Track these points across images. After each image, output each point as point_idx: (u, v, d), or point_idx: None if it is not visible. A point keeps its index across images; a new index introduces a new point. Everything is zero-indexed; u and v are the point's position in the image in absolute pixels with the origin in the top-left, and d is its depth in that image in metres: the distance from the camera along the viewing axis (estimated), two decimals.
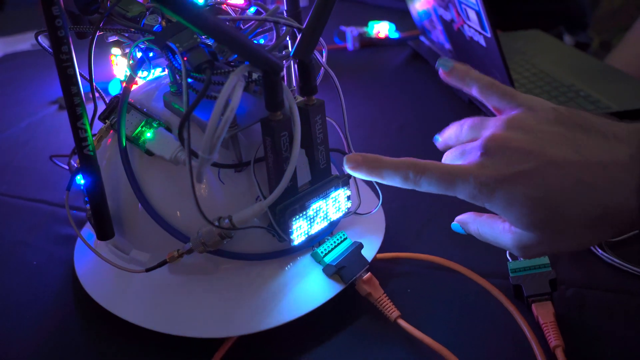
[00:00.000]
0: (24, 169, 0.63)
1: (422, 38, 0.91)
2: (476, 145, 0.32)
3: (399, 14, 1.05)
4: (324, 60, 0.37)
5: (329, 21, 0.37)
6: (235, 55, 0.35)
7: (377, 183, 0.43)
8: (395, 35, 0.96)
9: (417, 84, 0.81)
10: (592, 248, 0.44)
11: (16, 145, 0.68)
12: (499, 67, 0.61)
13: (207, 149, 0.29)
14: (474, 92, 0.36)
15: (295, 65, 0.35)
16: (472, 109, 0.69)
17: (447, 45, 0.78)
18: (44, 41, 0.39)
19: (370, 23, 0.97)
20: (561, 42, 0.89)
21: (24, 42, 1.09)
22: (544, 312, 0.37)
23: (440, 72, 0.37)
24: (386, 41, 0.96)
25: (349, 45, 0.94)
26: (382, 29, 0.96)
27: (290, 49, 0.39)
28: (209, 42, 0.35)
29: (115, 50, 0.71)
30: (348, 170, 0.35)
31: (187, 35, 0.33)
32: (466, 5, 0.61)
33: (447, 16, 0.71)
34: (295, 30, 0.36)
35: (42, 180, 0.60)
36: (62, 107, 0.78)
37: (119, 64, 0.71)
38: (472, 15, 0.61)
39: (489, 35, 0.59)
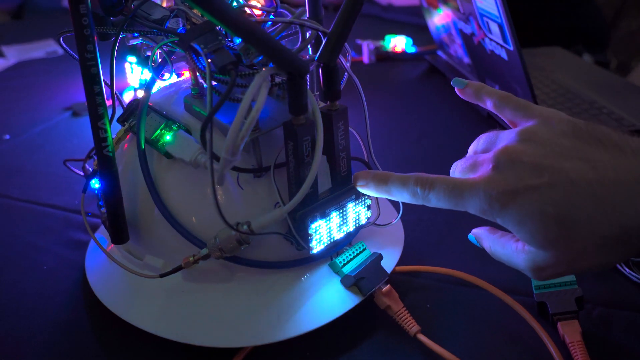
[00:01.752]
0: (37, 173, 0.63)
1: (440, 53, 0.92)
2: (487, 158, 0.32)
3: (416, 29, 1.06)
4: (348, 65, 0.37)
5: None
6: (259, 59, 0.35)
7: None
8: (412, 49, 0.97)
9: (434, 98, 0.81)
10: (618, 266, 0.43)
11: (30, 150, 0.69)
12: (521, 82, 0.61)
13: (230, 150, 0.29)
14: (489, 106, 0.36)
15: (319, 70, 0.35)
16: (491, 122, 0.69)
17: (466, 60, 0.79)
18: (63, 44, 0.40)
19: (387, 37, 0.97)
20: (581, 59, 0.89)
21: (38, 49, 1.11)
22: (570, 331, 0.37)
23: (456, 90, 0.37)
24: (403, 55, 0.96)
25: (365, 58, 0.95)
26: (398, 42, 0.97)
27: (312, 54, 0.39)
28: (234, 45, 0.36)
29: (131, 59, 0.72)
30: (358, 187, 0.35)
31: (212, 37, 0.33)
32: (488, 18, 0.62)
33: (467, 29, 0.71)
34: (320, 34, 0.36)
35: (55, 185, 0.60)
36: (75, 114, 0.79)
37: (134, 72, 0.72)
38: (494, 28, 0.61)
39: (511, 48, 0.59)
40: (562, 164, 0.30)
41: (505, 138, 0.32)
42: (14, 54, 1.08)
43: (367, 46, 0.94)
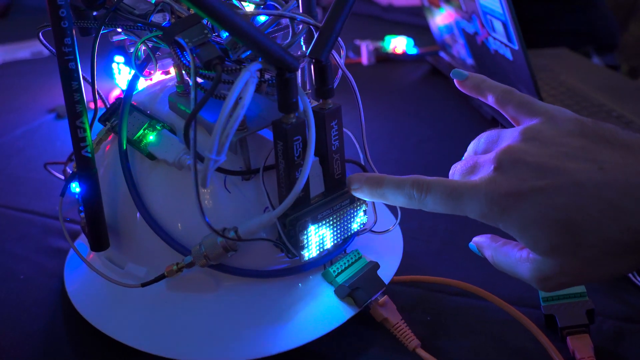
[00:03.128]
0: (17, 177, 0.62)
1: (442, 54, 0.91)
2: (489, 159, 0.31)
3: (417, 30, 1.05)
4: (342, 61, 0.36)
5: (342, 35, 0.37)
6: (247, 54, 0.34)
7: None
8: (413, 50, 0.96)
9: (436, 100, 0.80)
10: (631, 276, 0.42)
11: (10, 153, 0.68)
12: (526, 82, 0.60)
13: (215, 150, 0.29)
14: (490, 101, 0.35)
15: (311, 66, 0.34)
16: (496, 126, 0.68)
17: (470, 61, 0.78)
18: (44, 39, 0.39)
19: (387, 37, 0.97)
20: (589, 61, 0.89)
21: (24, 49, 1.10)
22: (581, 346, 0.36)
23: (455, 82, 0.36)
24: (403, 57, 0.96)
25: (364, 59, 0.94)
26: (399, 43, 0.96)
27: (305, 50, 0.39)
28: (221, 40, 0.35)
29: (119, 58, 0.71)
30: (352, 191, 0.34)
31: (198, 31, 0.32)
32: (492, 16, 0.61)
33: (470, 29, 0.71)
34: (312, 28, 0.35)
35: (35, 190, 0.59)
36: (59, 116, 0.78)
37: (121, 73, 0.71)
38: (498, 26, 0.60)
39: (516, 47, 0.59)
40: (568, 164, 0.29)
41: (507, 137, 0.32)
42: None
43: (366, 47, 0.94)
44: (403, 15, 1.19)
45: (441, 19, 0.84)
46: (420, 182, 0.32)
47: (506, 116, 0.35)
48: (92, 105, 0.40)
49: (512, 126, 0.34)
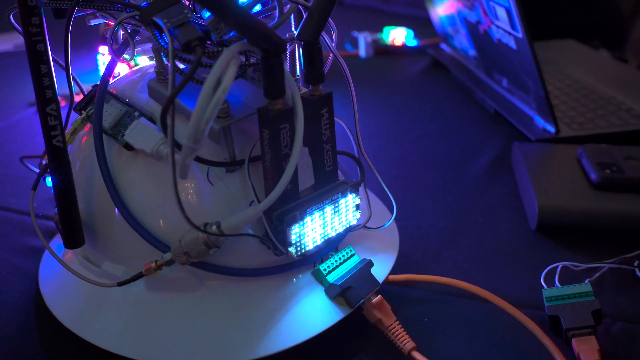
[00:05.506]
0: None
1: (444, 46, 0.90)
2: None
3: (418, 22, 1.04)
4: (333, 44, 0.36)
5: (339, 26, 0.36)
6: (230, 35, 0.33)
7: (391, 193, 0.41)
8: (413, 42, 0.95)
9: (437, 94, 0.80)
10: (639, 274, 0.42)
11: None
12: (531, 72, 0.59)
13: (193, 137, 0.28)
14: None
15: (300, 50, 0.33)
16: (499, 120, 0.67)
17: (472, 52, 0.77)
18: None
19: (386, 29, 0.96)
20: (597, 53, 0.88)
21: (6, 42, 1.09)
22: (586, 349, 0.35)
23: None
24: (403, 49, 0.95)
25: (362, 51, 0.94)
26: (398, 35, 0.95)
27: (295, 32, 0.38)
28: (202, 22, 0.34)
29: (103, 49, 0.70)
30: None
31: (177, 11, 0.31)
32: (495, 3, 0.60)
33: (473, 17, 0.70)
34: (300, 8, 0.35)
35: (11, 186, 0.58)
36: None
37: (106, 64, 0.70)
38: (502, 13, 0.60)
39: (520, 35, 0.58)
40: None
41: None
42: None
43: (364, 39, 0.93)
44: (403, 7, 1.18)
45: (442, 9, 0.83)
46: None
47: None
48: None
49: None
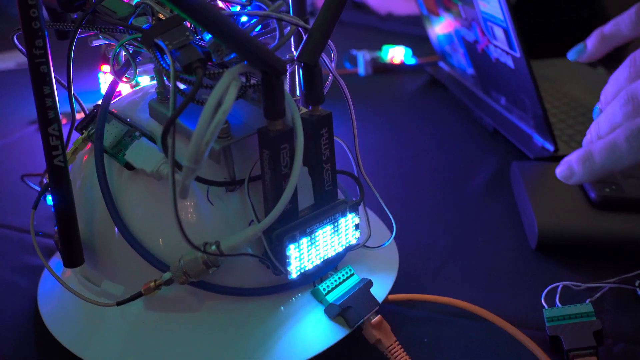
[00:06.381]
0: None
1: (442, 64, 0.91)
2: None
3: (416, 40, 1.05)
4: (333, 65, 0.36)
5: (338, 45, 0.36)
6: (231, 57, 0.33)
7: (390, 213, 0.41)
8: (411, 61, 0.96)
9: (434, 112, 0.80)
10: None
11: None
12: (529, 91, 0.60)
13: (193, 158, 0.28)
14: (628, 33, 0.33)
15: (300, 71, 0.33)
16: (498, 138, 0.68)
17: (470, 70, 0.78)
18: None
19: (385, 47, 0.97)
20: (595, 70, 0.88)
21: (8, 60, 1.10)
22: None
23: (580, 58, 0.34)
24: (401, 67, 0.96)
25: (361, 70, 0.94)
26: (397, 53, 0.96)
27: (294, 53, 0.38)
28: (203, 43, 0.34)
29: (105, 68, 0.71)
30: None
31: (179, 33, 0.32)
32: (492, 23, 0.61)
33: (470, 37, 0.71)
34: (300, 30, 0.35)
35: (11, 204, 0.58)
36: None
37: (107, 82, 0.70)
38: (499, 33, 0.60)
39: (517, 55, 0.58)
40: None
41: None
42: None
43: (362, 57, 0.94)
44: (401, 25, 1.19)
45: (440, 28, 0.84)
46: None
47: None
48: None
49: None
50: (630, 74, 0.33)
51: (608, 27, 0.33)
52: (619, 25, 0.33)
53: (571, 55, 0.35)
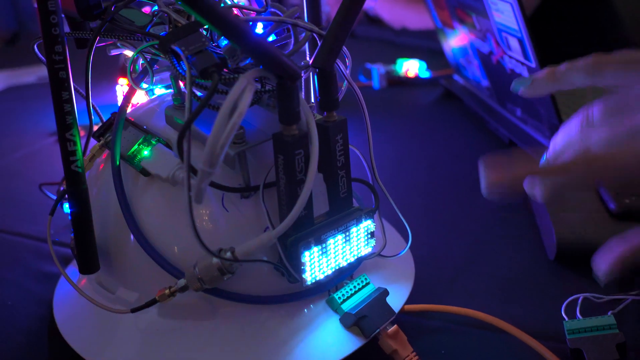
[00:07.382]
0: (11, 200, 0.62)
1: (456, 77, 0.91)
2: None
3: (431, 53, 1.05)
4: (347, 72, 0.36)
5: (353, 58, 0.36)
6: (246, 63, 0.33)
7: (405, 221, 0.40)
8: (426, 74, 0.96)
9: (449, 123, 0.79)
10: None
11: (7, 176, 0.68)
12: (545, 102, 0.59)
13: (209, 161, 0.27)
14: (578, 83, 0.32)
15: (315, 77, 0.33)
16: (513, 150, 0.67)
17: (485, 83, 0.77)
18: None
19: (399, 61, 0.97)
20: None
21: (29, 75, 1.12)
22: None
23: (521, 92, 0.34)
24: (416, 80, 0.95)
25: (375, 83, 0.94)
26: (411, 67, 0.96)
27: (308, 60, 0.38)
28: (219, 50, 0.34)
29: (123, 80, 0.71)
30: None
31: (195, 39, 0.32)
32: (507, 34, 0.60)
33: (485, 48, 0.70)
34: (315, 36, 0.35)
35: (29, 213, 0.59)
36: None
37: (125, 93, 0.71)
38: (514, 43, 0.60)
39: (533, 65, 0.58)
40: None
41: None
42: (2, 80, 1.09)
43: (377, 70, 0.94)
44: (416, 38, 1.19)
45: (455, 40, 0.83)
46: None
47: (607, 87, 0.31)
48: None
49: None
50: (582, 129, 0.32)
51: (560, 69, 0.32)
52: (571, 71, 0.32)
53: (514, 84, 0.33)
